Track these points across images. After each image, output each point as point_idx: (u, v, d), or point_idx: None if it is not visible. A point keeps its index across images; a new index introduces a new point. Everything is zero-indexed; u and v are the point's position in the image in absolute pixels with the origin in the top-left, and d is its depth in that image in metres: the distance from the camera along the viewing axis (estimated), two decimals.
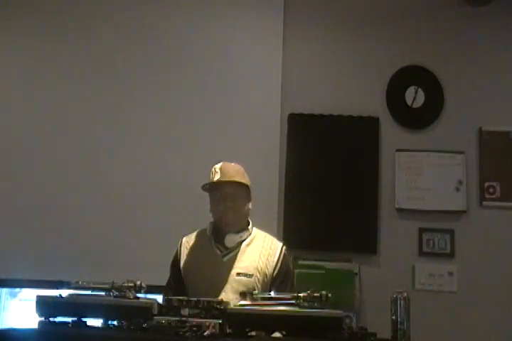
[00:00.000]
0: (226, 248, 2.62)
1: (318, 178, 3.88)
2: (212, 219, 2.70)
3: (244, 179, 2.65)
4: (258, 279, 2.56)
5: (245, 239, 2.64)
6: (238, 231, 2.64)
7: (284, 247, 2.68)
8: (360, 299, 3.72)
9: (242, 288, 2.46)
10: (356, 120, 3.97)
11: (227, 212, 2.60)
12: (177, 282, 2.64)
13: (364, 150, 3.94)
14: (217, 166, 2.64)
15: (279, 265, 2.61)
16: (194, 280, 2.59)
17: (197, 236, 2.71)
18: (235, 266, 2.57)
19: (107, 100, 3.96)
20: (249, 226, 2.69)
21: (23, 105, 3.96)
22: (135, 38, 4.03)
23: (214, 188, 2.64)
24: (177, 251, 2.69)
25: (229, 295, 2.43)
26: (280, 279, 2.59)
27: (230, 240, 2.61)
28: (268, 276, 2.58)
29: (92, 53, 4.01)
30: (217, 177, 2.60)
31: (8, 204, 3.80)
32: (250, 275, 2.55)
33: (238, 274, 2.55)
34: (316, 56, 4.09)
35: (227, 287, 2.52)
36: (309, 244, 3.74)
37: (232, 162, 2.70)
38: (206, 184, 2.64)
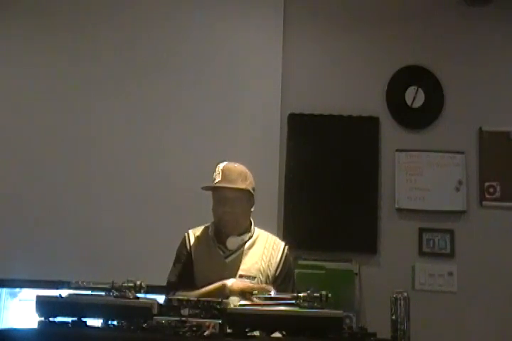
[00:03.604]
0: (228, 249, 2.60)
1: (318, 178, 3.88)
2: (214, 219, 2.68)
3: (246, 183, 2.60)
4: (261, 281, 2.55)
5: (247, 241, 2.63)
6: (240, 234, 2.62)
7: (287, 247, 2.67)
8: (360, 299, 3.72)
9: None
10: (356, 120, 3.97)
11: (225, 217, 2.58)
12: (187, 266, 2.60)
13: (364, 150, 3.94)
14: (221, 166, 2.61)
15: (281, 265, 2.60)
16: (197, 280, 2.57)
17: (202, 233, 2.69)
18: (237, 268, 2.56)
19: (107, 100, 3.96)
20: (252, 227, 2.67)
21: (24, 107, 3.96)
22: (135, 39, 4.03)
23: (215, 190, 2.62)
24: (186, 243, 2.65)
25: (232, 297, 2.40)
26: (281, 279, 2.59)
27: (231, 243, 2.60)
28: (270, 277, 2.58)
29: (92, 53, 4.01)
30: (218, 179, 2.58)
31: (9, 204, 3.81)
32: (253, 278, 2.54)
33: (241, 276, 2.54)
34: (316, 56, 4.09)
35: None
36: (309, 244, 3.74)
37: (233, 162, 2.65)
38: (206, 186, 2.61)
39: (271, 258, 2.61)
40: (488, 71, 4.03)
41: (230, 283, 2.45)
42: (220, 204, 2.59)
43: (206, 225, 2.71)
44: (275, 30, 4.03)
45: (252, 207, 2.66)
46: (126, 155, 3.89)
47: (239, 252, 2.60)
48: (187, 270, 2.61)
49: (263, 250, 2.62)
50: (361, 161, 3.92)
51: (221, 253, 2.60)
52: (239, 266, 2.57)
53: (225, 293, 2.39)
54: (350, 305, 3.64)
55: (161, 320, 1.98)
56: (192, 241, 2.66)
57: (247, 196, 2.63)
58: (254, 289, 2.37)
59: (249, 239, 2.64)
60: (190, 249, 2.64)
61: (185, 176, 3.73)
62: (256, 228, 2.69)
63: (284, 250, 2.65)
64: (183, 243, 2.67)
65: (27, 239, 3.74)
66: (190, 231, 2.71)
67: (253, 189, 2.65)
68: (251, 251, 2.62)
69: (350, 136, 3.96)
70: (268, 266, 2.59)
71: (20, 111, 3.96)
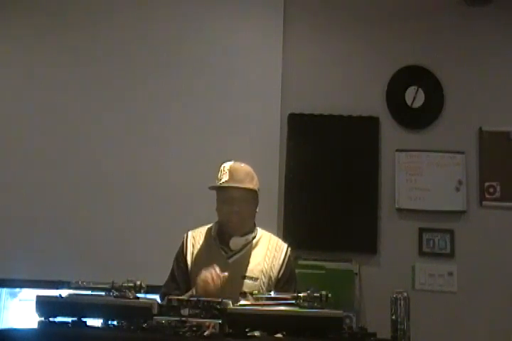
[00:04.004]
0: (231, 250, 2.59)
1: (318, 178, 3.88)
2: (217, 218, 2.66)
3: (253, 183, 2.60)
4: (263, 282, 2.54)
5: (250, 241, 2.62)
6: (243, 234, 2.61)
7: (289, 249, 2.66)
8: (360, 299, 3.72)
9: None
10: (356, 120, 3.97)
11: (232, 216, 2.57)
12: (183, 274, 2.59)
13: (364, 150, 3.94)
14: (227, 166, 2.59)
15: (283, 267, 2.59)
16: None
17: (202, 234, 2.67)
18: (240, 269, 2.55)
19: (108, 100, 3.96)
20: (255, 228, 2.66)
21: (23, 107, 3.96)
22: (135, 40, 4.03)
23: (221, 189, 2.60)
24: (183, 245, 2.65)
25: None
26: (284, 280, 2.58)
27: (235, 243, 2.58)
28: (273, 279, 2.56)
29: (91, 53, 4.01)
30: (225, 178, 2.56)
31: (9, 204, 3.81)
32: (256, 279, 2.53)
33: (243, 277, 2.53)
34: (316, 56, 4.09)
35: (232, 290, 2.46)
36: (309, 244, 3.74)
37: (238, 161, 2.64)
38: (213, 186, 2.59)
39: (274, 259, 2.59)
40: (488, 71, 4.03)
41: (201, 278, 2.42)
42: (226, 204, 2.57)
43: (208, 226, 2.70)
44: (275, 30, 4.03)
45: (256, 207, 2.65)
46: (126, 155, 3.89)
47: (242, 253, 2.59)
48: (180, 281, 2.59)
49: (266, 251, 2.61)
50: (361, 161, 3.92)
51: (223, 253, 2.59)
52: (241, 267, 2.55)
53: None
54: (350, 305, 3.64)
55: (161, 320, 1.97)
56: (189, 245, 2.64)
57: (253, 196, 2.62)
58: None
59: (253, 239, 2.63)
60: (186, 255, 2.62)
61: (186, 176, 3.74)
62: (258, 228, 2.68)
63: (286, 252, 2.63)
64: (180, 249, 2.66)
65: (27, 239, 3.74)
66: (189, 233, 2.69)
67: (258, 189, 2.64)
68: (254, 251, 2.60)
69: (350, 136, 3.96)
70: (271, 267, 2.58)
71: (19, 111, 3.96)
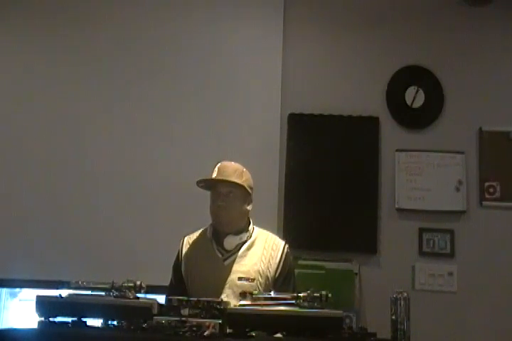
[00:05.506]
0: (227, 251, 2.58)
1: (318, 178, 3.88)
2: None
3: (241, 179, 2.59)
4: (260, 283, 2.53)
5: (246, 241, 2.60)
6: (237, 233, 2.60)
7: (287, 246, 2.64)
8: (360, 299, 3.72)
9: None
10: (356, 120, 3.96)
11: (219, 211, 2.56)
12: (179, 283, 2.61)
13: (364, 150, 3.94)
14: (218, 165, 2.62)
15: (280, 266, 2.58)
16: (195, 283, 2.56)
17: (198, 237, 2.68)
18: (236, 270, 2.54)
19: (107, 100, 3.96)
20: (250, 227, 2.65)
21: (22, 106, 3.95)
22: (135, 38, 4.02)
23: (210, 187, 2.62)
24: (179, 252, 2.66)
25: (231, 300, 2.35)
26: (282, 279, 2.57)
27: (229, 243, 2.58)
28: (270, 279, 2.55)
29: (91, 55, 4.01)
30: (213, 176, 2.59)
31: (8, 204, 3.81)
32: (252, 280, 2.52)
33: (240, 278, 2.52)
34: (316, 56, 4.09)
35: (229, 292, 2.49)
36: (309, 244, 3.74)
37: (233, 161, 2.66)
38: (200, 181, 2.60)
39: (270, 259, 2.58)
40: (488, 71, 4.03)
41: None
42: (214, 200, 2.59)
43: (204, 228, 2.70)
44: (275, 30, 4.03)
45: (248, 206, 2.64)
46: (127, 156, 3.89)
47: (238, 254, 2.58)
48: (178, 285, 2.60)
49: (262, 251, 2.60)
50: (361, 161, 3.92)
51: (219, 255, 2.58)
52: (238, 268, 2.54)
53: None
54: (350, 305, 3.64)
55: (161, 320, 1.98)
56: (184, 251, 2.65)
57: (243, 193, 2.61)
58: None
59: (248, 239, 2.61)
60: (181, 263, 2.63)
61: (186, 176, 3.70)
62: (255, 227, 2.67)
63: (283, 250, 2.62)
64: (176, 258, 2.66)
65: (27, 239, 3.74)
66: (184, 239, 2.70)
67: (250, 188, 2.63)
68: (250, 252, 2.59)
69: (350, 136, 3.95)
70: (267, 267, 2.56)
71: (17, 110, 3.95)
